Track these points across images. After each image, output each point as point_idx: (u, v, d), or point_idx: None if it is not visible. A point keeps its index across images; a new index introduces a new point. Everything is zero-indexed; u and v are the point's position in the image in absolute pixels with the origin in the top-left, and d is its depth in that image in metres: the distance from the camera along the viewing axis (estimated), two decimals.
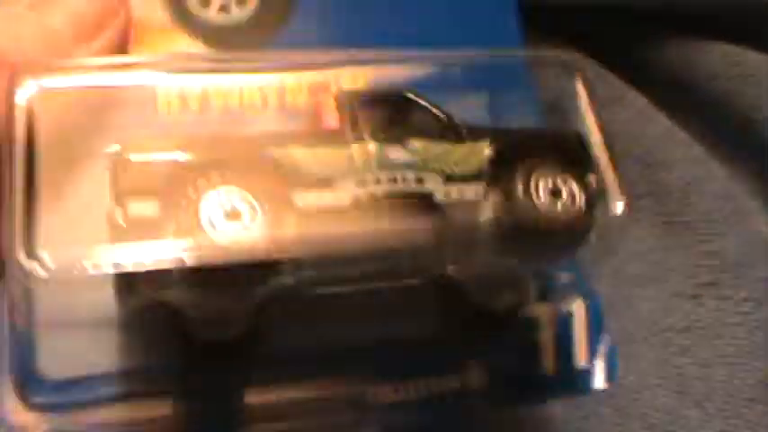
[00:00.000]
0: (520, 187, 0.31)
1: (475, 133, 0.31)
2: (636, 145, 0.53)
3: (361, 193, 0.29)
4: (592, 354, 0.37)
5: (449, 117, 0.31)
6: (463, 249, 0.31)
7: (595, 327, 0.37)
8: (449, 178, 0.30)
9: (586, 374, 0.37)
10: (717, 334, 0.48)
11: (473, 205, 0.30)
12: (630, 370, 0.48)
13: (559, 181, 0.31)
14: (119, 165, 0.27)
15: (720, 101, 0.53)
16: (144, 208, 0.27)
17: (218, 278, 0.27)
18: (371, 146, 0.29)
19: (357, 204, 0.29)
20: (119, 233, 0.27)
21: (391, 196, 0.29)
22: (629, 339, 0.48)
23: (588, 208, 0.31)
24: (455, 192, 0.30)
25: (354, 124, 0.30)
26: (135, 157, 0.27)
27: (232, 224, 0.27)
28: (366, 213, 0.29)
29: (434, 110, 0.31)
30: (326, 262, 0.29)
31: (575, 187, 0.31)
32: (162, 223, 0.27)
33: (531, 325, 0.35)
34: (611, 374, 0.37)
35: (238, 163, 0.28)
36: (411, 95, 0.31)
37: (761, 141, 0.52)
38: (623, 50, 0.55)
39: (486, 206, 0.30)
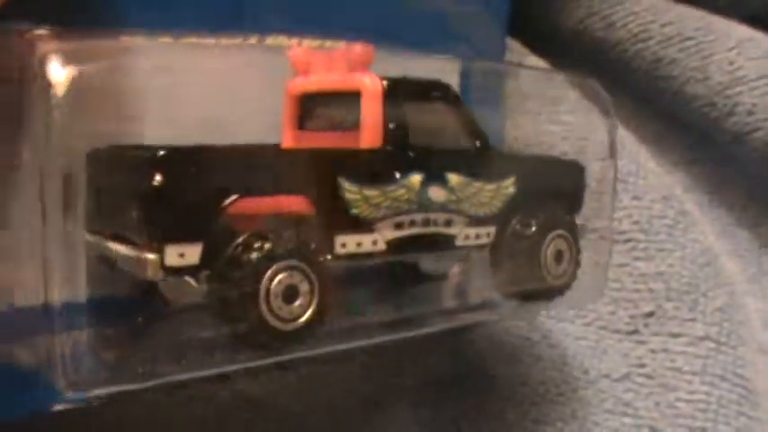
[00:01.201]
0: (531, 246, 0.31)
1: (502, 163, 0.31)
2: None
3: (396, 236, 0.28)
4: None
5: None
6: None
7: None
8: (471, 221, 0.30)
9: None
10: (666, 385, 0.35)
11: (483, 248, 0.31)
12: None
13: (564, 244, 0.32)
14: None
15: (648, 70, 0.41)
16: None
17: None
18: (416, 179, 0.28)
19: (393, 249, 0.28)
20: None
21: (420, 239, 0.29)
22: (555, 392, 0.35)
23: (577, 266, 0.32)
24: (473, 235, 0.30)
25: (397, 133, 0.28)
26: None
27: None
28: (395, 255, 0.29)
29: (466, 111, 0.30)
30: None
31: (572, 249, 0.32)
32: None
33: None
34: None
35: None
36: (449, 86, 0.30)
37: (700, 122, 0.40)
38: (529, 5, 0.42)
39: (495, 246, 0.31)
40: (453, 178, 0.29)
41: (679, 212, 0.38)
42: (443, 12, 0.35)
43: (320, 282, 0.26)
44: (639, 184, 0.38)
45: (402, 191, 0.28)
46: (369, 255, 0.27)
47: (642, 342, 0.36)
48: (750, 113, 0.40)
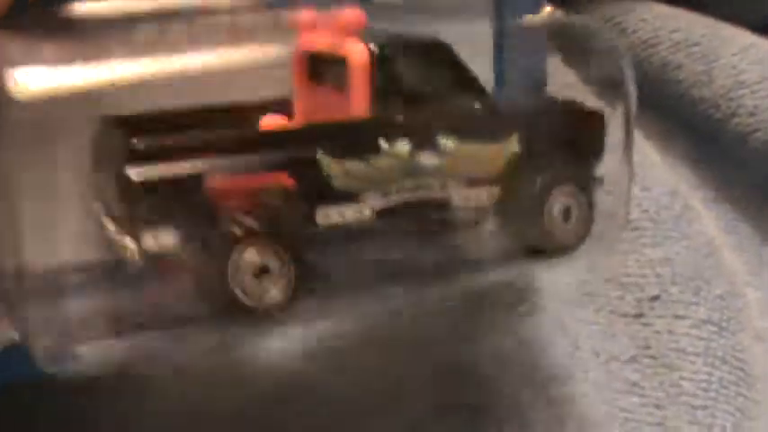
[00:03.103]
0: (534, 204, 0.30)
1: (505, 120, 0.30)
2: None
3: (382, 203, 0.28)
4: None
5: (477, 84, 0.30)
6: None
7: None
8: (469, 182, 0.29)
9: None
10: (670, 365, 0.37)
11: (485, 210, 0.30)
12: (567, 414, 0.36)
13: (572, 201, 0.31)
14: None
15: (657, 74, 0.43)
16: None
17: None
18: (403, 147, 0.28)
19: (380, 216, 0.28)
20: None
21: (411, 204, 0.28)
22: (566, 375, 0.37)
23: (590, 222, 0.31)
24: (473, 196, 0.29)
25: (384, 99, 0.28)
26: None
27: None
28: (384, 224, 0.28)
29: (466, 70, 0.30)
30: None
31: (584, 204, 0.31)
32: None
33: None
34: None
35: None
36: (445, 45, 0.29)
37: (705, 124, 0.42)
38: None
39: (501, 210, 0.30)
40: (447, 142, 0.28)
41: (685, 206, 0.41)
42: None
43: (295, 260, 0.26)
44: (648, 176, 0.41)
45: (388, 160, 0.27)
46: (355, 224, 0.27)
47: (648, 324, 0.38)
48: (752, 115, 0.42)
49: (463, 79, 0.29)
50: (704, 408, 0.37)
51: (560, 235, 0.30)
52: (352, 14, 0.28)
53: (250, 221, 0.25)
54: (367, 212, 0.27)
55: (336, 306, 0.28)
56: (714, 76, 0.43)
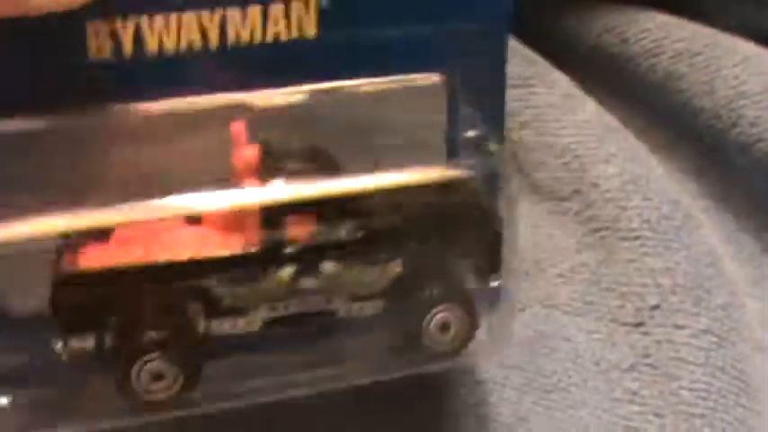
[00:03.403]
0: (412, 321, 0.32)
1: (387, 245, 0.31)
2: (559, 134, 0.42)
3: (271, 316, 0.31)
4: None
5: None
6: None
7: None
8: (354, 297, 0.31)
9: None
10: (670, 375, 0.38)
11: (372, 320, 0.31)
12: (568, 421, 0.36)
13: (451, 316, 0.32)
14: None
15: (660, 84, 0.43)
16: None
17: None
18: (286, 274, 0.30)
19: (268, 326, 0.31)
20: None
21: (296, 316, 0.31)
22: (567, 382, 0.37)
23: (471, 331, 0.32)
24: (357, 309, 0.31)
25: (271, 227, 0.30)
26: None
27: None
28: (274, 335, 0.31)
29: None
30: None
31: (464, 319, 0.32)
32: None
33: None
34: None
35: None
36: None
37: (707, 134, 0.43)
38: (545, 20, 0.44)
39: (384, 321, 0.31)
40: (328, 267, 0.30)
41: (686, 216, 0.41)
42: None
43: (184, 367, 0.30)
44: (650, 187, 0.41)
45: (272, 285, 0.30)
46: (244, 335, 0.30)
47: (648, 333, 0.39)
48: (753, 125, 0.43)
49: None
50: (703, 417, 0.37)
51: (438, 347, 0.32)
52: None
53: (155, 335, 0.30)
54: (256, 325, 0.30)
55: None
56: (716, 86, 0.43)
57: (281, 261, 0.30)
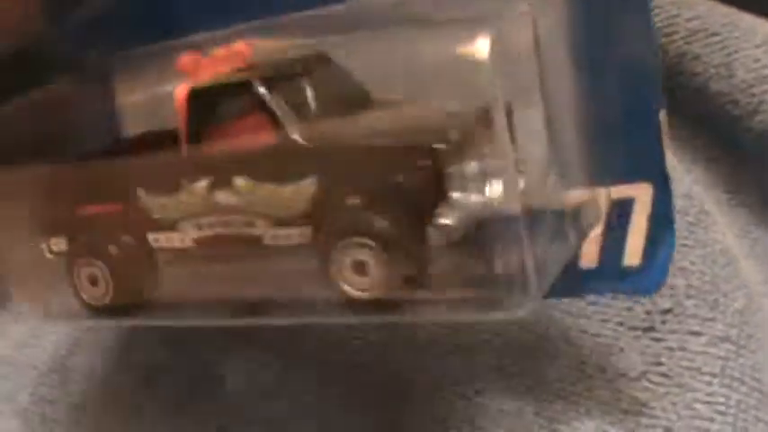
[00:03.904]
0: (322, 252, 0.29)
1: (302, 161, 0.29)
2: None
3: (200, 235, 0.31)
4: (646, 250, 0.31)
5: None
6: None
7: (659, 218, 0.31)
8: (277, 221, 0.29)
9: (634, 274, 0.31)
10: (683, 385, 0.34)
11: (299, 249, 0.29)
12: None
13: (367, 254, 0.28)
14: None
15: (672, 66, 0.40)
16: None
17: None
18: (200, 186, 0.30)
19: (199, 245, 0.31)
20: None
21: (225, 239, 0.30)
22: (570, 391, 0.34)
23: (396, 280, 0.28)
24: (283, 236, 0.29)
25: (196, 137, 0.30)
26: None
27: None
28: (207, 253, 0.31)
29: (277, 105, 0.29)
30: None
31: (383, 257, 0.27)
32: None
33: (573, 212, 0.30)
34: (655, 282, 0.32)
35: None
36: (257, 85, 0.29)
37: (721, 121, 0.39)
38: None
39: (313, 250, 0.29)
40: (241, 182, 0.29)
41: (700, 211, 0.38)
42: None
43: (112, 271, 0.32)
44: None
45: (189, 197, 0.30)
46: (181, 250, 0.31)
47: (659, 339, 0.35)
48: None
49: (272, 117, 0.29)
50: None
51: (350, 288, 0.28)
52: (237, 48, 0.31)
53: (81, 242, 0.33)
54: (188, 242, 0.31)
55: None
56: (734, 68, 0.40)
57: (197, 170, 0.30)
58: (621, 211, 0.31)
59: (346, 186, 0.28)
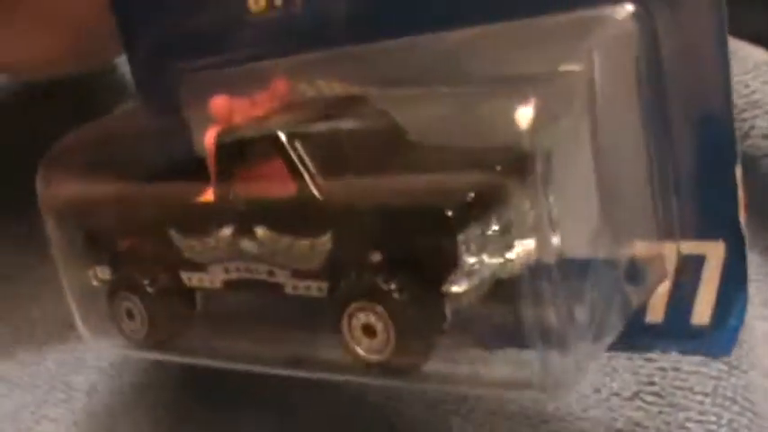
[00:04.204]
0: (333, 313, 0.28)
1: (319, 216, 0.28)
2: None
3: (227, 278, 0.31)
4: (716, 310, 0.29)
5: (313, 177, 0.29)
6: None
7: (731, 278, 0.29)
8: (296, 273, 0.29)
9: (703, 333, 0.30)
10: (676, 405, 0.35)
11: (317, 302, 0.29)
12: None
13: (374, 318, 0.27)
14: None
15: None
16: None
17: None
18: (226, 233, 0.30)
19: (227, 287, 0.31)
20: None
21: (251, 284, 0.30)
22: (565, 411, 0.35)
23: (407, 342, 0.27)
24: (302, 287, 0.29)
25: (223, 183, 0.31)
26: None
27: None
28: (235, 296, 0.32)
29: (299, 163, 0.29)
30: None
31: (391, 324, 0.27)
32: None
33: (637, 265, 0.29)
34: (726, 343, 0.30)
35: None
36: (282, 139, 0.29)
37: (708, 123, 0.40)
38: None
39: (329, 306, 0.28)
40: (261, 232, 0.29)
41: None
42: None
43: (147, 308, 0.33)
44: None
45: (216, 242, 0.30)
46: (211, 290, 0.32)
47: (651, 360, 0.36)
48: (765, 137, 0.40)
49: (293, 169, 0.29)
50: None
51: (361, 350, 0.28)
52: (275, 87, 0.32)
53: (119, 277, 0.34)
54: (217, 283, 0.31)
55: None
56: None
57: (224, 218, 0.30)
58: (691, 267, 0.30)
59: (359, 246, 0.27)
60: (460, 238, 0.26)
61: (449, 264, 0.26)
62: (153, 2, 0.36)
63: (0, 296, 0.45)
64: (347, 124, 0.30)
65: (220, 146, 0.30)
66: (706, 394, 0.35)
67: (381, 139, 0.29)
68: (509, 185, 0.25)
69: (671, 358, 0.36)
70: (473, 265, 0.26)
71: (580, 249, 0.27)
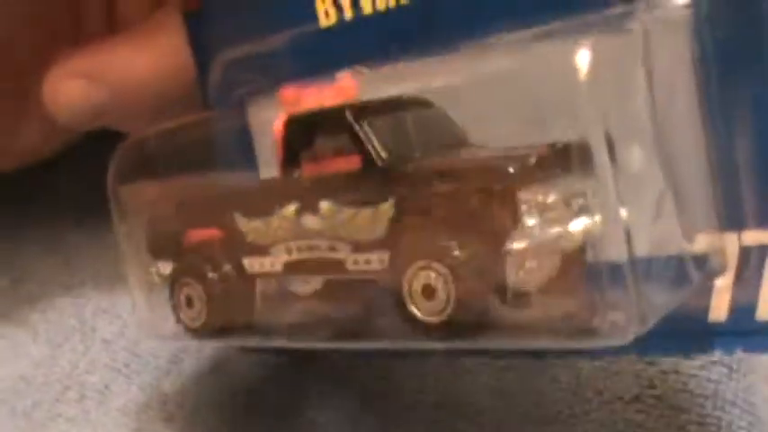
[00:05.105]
0: (394, 278, 0.29)
1: (383, 184, 0.29)
2: None
3: (288, 259, 0.32)
4: None
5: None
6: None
7: None
8: (357, 246, 0.30)
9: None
10: (677, 407, 0.35)
11: (378, 274, 0.29)
12: None
13: (434, 278, 0.27)
14: None
15: None
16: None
17: None
18: (290, 210, 0.31)
19: (288, 269, 0.32)
20: None
21: (311, 263, 0.31)
22: (568, 413, 0.35)
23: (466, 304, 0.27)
24: (362, 261, 0.30)
25: (289, 163, 0.32)
26: None
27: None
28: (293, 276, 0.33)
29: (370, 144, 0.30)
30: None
31: (452, 284, 0.27)
32: None
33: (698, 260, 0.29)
34: None
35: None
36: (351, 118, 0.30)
37: None
38: None
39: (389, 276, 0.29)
40: (325, 206, 0.30)
41: None
42: None
43: (208, 294, 0.33)
44: None
45: (279, 221, 0.31)
46: (271, 274, 0.32)
47: (653, 363, 0.36)
48: None
49: (358, 143, 0.30)
50: None
51: (426, 314, 0.28)
52: (344, 84, 0.32)
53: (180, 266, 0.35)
54: (278, 266, 0.32)
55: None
56: None
57: (288, 195, 0.31)
58: (754, 259, 0.29)
59: (421, 209, 0.28)
60: (521, 196, 0.26)
61: (509, 221, 0.26)
62: (230, 25, 0.38)
63: (18, 299, 0.46)
64: (412, 121, 0.31)
65: (289, 125, 0.31)
66: (706, 397, 0.36)
67: (444, 137, 0.30)
68: (572, 156, 0.26)
69: (672, 361, 0.37)
70: (533, 227, 0.26)
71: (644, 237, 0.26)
